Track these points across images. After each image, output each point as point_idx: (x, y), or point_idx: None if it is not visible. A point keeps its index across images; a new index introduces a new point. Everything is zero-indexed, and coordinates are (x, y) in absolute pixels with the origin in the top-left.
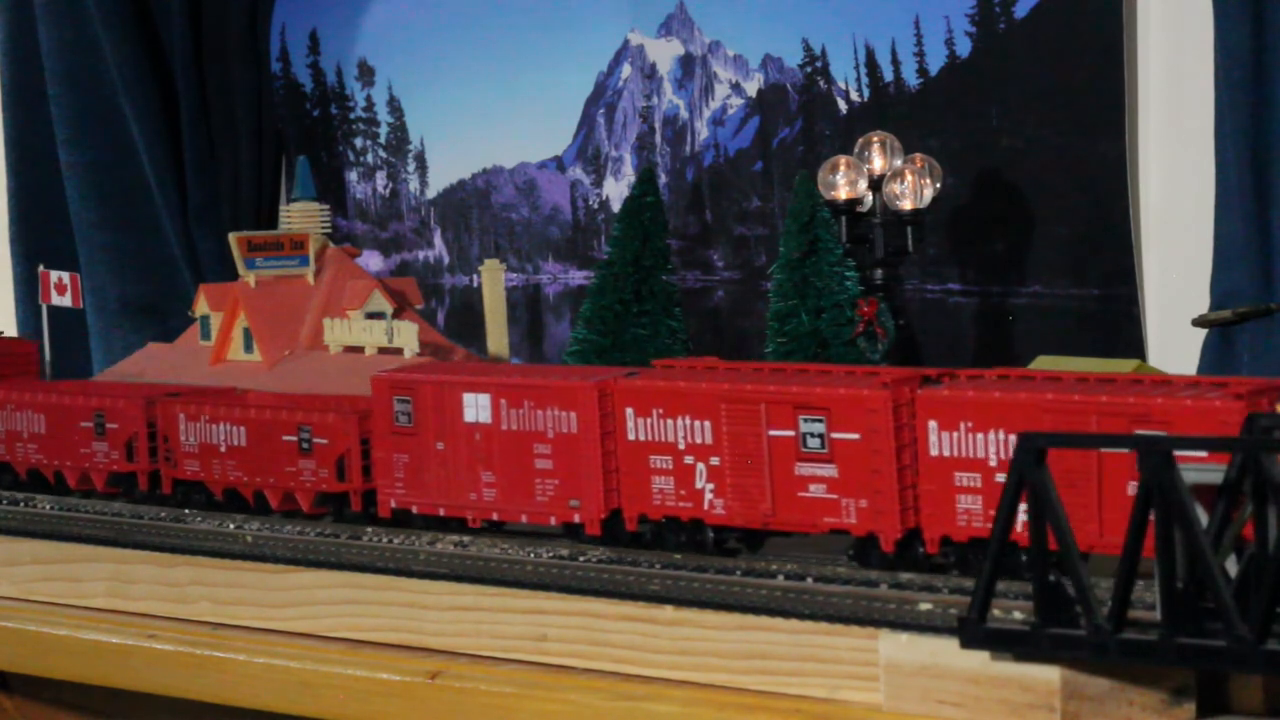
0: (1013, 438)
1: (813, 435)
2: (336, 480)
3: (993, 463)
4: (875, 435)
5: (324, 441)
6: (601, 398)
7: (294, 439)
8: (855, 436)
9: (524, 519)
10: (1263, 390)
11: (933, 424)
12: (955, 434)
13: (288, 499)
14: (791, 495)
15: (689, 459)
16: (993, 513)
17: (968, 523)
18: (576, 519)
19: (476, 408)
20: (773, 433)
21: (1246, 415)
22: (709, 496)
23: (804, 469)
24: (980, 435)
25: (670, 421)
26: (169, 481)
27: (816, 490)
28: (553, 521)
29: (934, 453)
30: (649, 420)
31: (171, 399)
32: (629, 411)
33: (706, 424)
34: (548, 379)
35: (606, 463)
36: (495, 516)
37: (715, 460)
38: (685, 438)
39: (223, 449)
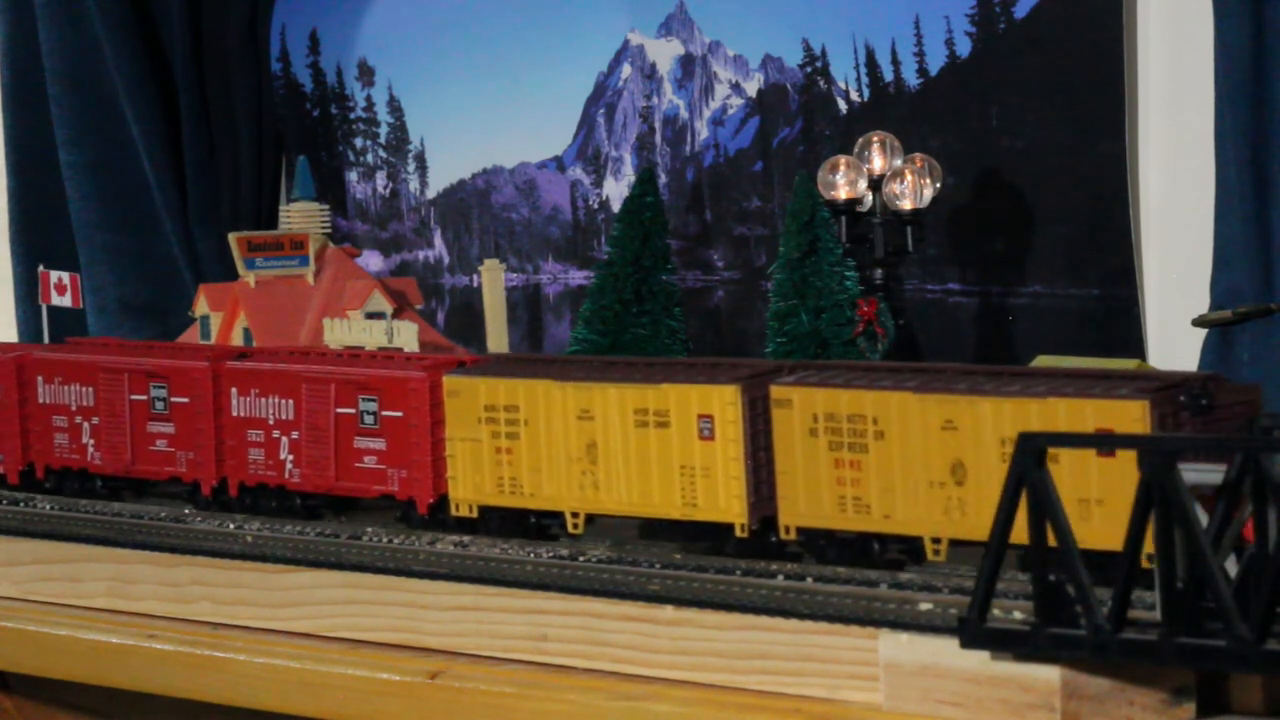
0: (283, 401)
1: (160, 400)
2: None
3: (271, 421)
4: (199, 400)
5: None
6: (19, 369)
7: None
8: (187, 400)
9: None
10: (441, 365)
11: (234, 390)
12: (248, 398)
13: None
14: (145, 449)
15: (79, 419)
16: (271, 462)
17: (255, 471)
18: (1, 470)
19: None
20: (134, 397)
21: (429, 384)
22: (90, 450)
23: (154, 427)
24: (263, 400)
25: (67, 388)
26: None
27: (161, 445)
28: None
29: (235, 414)
30: (52, 387)
31: None
32: (39, 379)
33: (90, 389)
34: None
35: (24, 424)
36: None
37: (95, 420)
38: (76, 401)
39: None
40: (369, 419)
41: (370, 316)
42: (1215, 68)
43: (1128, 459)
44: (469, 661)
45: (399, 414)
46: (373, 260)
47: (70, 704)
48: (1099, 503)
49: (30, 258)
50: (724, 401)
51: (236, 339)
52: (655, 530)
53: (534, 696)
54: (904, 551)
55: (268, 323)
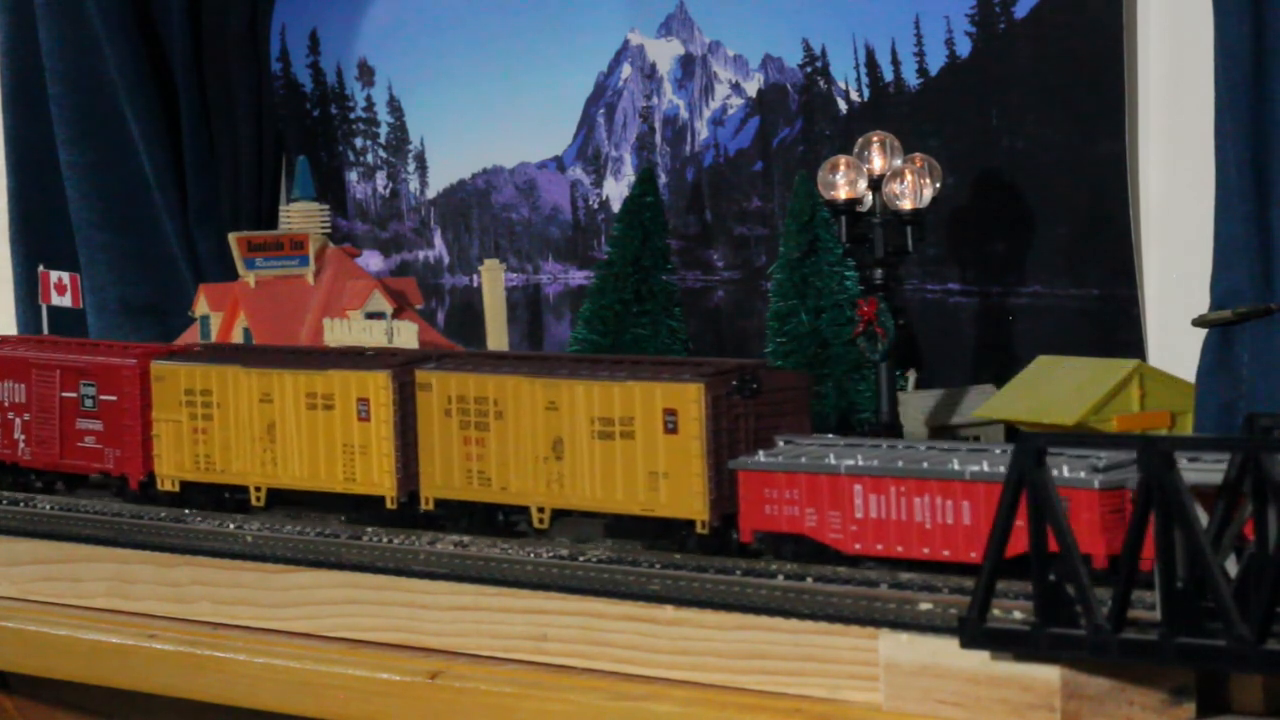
0: (16, 385)
1: None
2: None
3: (6, 404)
4: None
5: None
6: None
7: None
8: None
9: None
10: (151, 353)
11: None
12: None
13: None
14: None
15: None
16: (7, 441)
17: (12, 451)
18: None
19: None
20: None
21: (140, 370)
22: None
23: None
24: (5, 384)
25: None
26: None
27: None
28: None
29: None
30: None
31: None
32: None
33: None
34: None
35: None
36: None
37: None
38: None
39: None
40: (89, 402)
41: (370, 316)
42: (1215, 68)
43: (689, 437)
44: (469, 661)
45: (114, 398)
46: (373, 260)
47: (70, 704)
48: (665, 475)
49: (30, 258)
50: (377, 386)
51: (236, 339)
52: (323, 503)
53: (534, 696)
54: (528, 522)
55: (268, 323)
